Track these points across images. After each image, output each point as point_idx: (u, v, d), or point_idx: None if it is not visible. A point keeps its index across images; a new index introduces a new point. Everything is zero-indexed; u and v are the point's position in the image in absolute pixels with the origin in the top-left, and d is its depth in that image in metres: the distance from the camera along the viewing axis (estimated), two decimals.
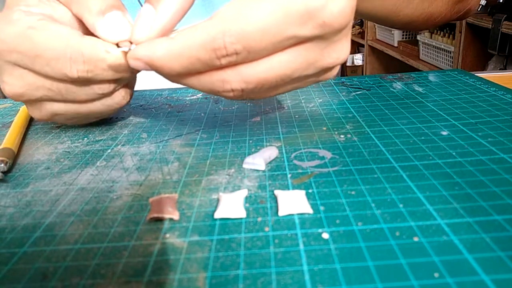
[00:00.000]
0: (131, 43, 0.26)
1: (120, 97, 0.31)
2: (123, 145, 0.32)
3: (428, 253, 0.17)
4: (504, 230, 0.19)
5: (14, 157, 0.30)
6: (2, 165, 0.27)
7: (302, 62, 0.24)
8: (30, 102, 0.30)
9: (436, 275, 0.16)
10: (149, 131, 0.34)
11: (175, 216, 0.21)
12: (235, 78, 0.23)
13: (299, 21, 0.22)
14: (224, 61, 0.22)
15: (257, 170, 0.26)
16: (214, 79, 0.24)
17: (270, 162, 0.27)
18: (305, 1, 0.21)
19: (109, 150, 0.31)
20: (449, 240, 0.18)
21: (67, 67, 0.26)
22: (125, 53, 0.26)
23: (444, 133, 0.29)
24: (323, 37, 0.23)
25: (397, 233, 0.19)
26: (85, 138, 0.33)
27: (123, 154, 0.30)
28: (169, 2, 0.23)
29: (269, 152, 0.27)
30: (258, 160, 0.26)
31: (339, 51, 0.25)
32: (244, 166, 0.26)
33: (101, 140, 0.33)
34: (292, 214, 0.21)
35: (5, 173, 0.28)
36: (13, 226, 0.22)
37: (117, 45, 0.26)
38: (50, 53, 0.26)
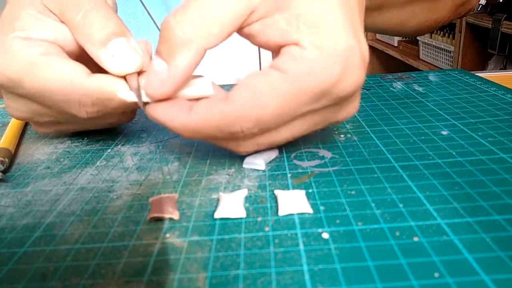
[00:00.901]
0: (138, 74, 0.25)
1: (127, 117, 0.31)
2: (123, 144, 0.32)
3: (428, 253, 0.17)
4: (504, 230, 0.18)
5: (11, 157, 0.30)
6: None
7: (314, 125, 0.25)
8: (35, 122, 0.30)
9: (436, 275, 0.16)
10: (149, 131, 0.34)
11: (175, 216, 0.21)
12: (248, 144, 0.24)
13: (313, 100, 0.22)
14: (238, 137, 0.23)
15: (257, 170, 0.26)
16: (229, 144, 0.25)
17: (270, 162, 0.27)
18: (318, 82, 0.21)
19: (109, 150, 0.31)
20: (449, 240, 0.18)
21: (76, 108, 0.25)
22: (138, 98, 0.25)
23: (444, 132, 0.29)
24: (336, 104, 0.24)
25: (397, 233, 0.19)
26: (85, 138, 0.33)
27: (123, 154, 0.30)
28: (181, 58, 0.22)
29: (269, 152, 0.27)
30: (258, 160, 0.26)
31: (351, 109, 0.26)
32: (244, 165, 0.26)
33: (101, 140, 0.33)
34: (292, 214, 0.21)
35: (3, 172, 0.28)
36: (13, 226, 0.22)
37: (125, 78, 0.25)
38: (55, 95, 0.25)
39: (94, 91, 0.25)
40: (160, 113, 0.23)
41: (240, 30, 0.23)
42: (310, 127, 0.25)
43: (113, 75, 0.25)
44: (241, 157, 0.28)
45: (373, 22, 0.46)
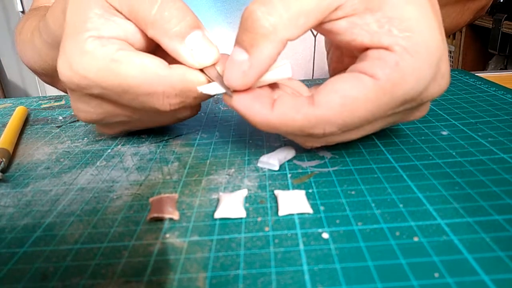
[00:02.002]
0: (213, 66, 0.25)
1: (196, 110, 0.30)
2: (123, 145, 0.32)
3: (428, 253, 0.17)
4: (504, 230, 0.18)
5: (9, 157, 0.30)
6: None
7: (387, 124, 0.25)
8: (104, 124, 0.30)
9: (436, 275, 0.16)
10: (149, 131, 0.34)
11: (175, 216, 0.21)
12: (319, 142, 0.24)
13: (401, 104, 0.22)
14: (317, 137, 0.23)
15: (257, 170, 0.26)
16: (298, 138, 0.25)
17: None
18: (410, 89, 0.21)
19: (109, 150, 0.31)
20: (449, 240, 0.18)
21: (159, 101, 0.25)
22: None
23: (444, 133, 0.29)
24: (418, 106, 0.24)
25: (397, 233, 0.19)
26: (85, 138, 0.33)
27: (123, 154, 0.30)
28: (265, 48, 0.21)
29: (286, 152, 0.27)
30: (273, 160, 0.26)
31: (424, 109, 0.26)
32: (259, 164, 0.26)
33: (101, 140, 0.33)
34: (292, 214, 0.21)
35: (2, 172, 0.28)
36: (13, 226, 0.22)
37: (202, 70, 0.25)
38: (140, 89, 0.24)
39: (178, 82, 0.24)
40: (243, 105, 0.23)
41: (320, 25, 0.23)
42: (383, 126, 0.25)
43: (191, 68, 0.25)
44: (241, 157, 0.28)
45: None
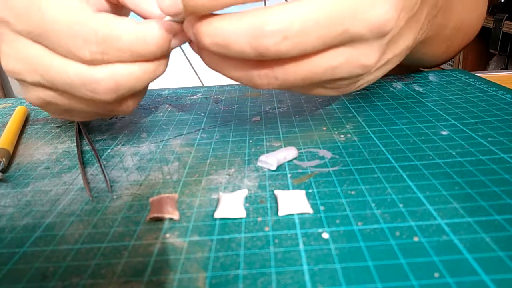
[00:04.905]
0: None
1: (125, 107, 0.28)
2: (123, 145, 0.32)
3: (428, 253, 0.17)
4: (504, 230, 0.18)
5: (9, 157, 0.30)
6: None
7: (342, 62, 0.23)
8: (25, 84, 0.28)
9: (436, 275, 0.16)
10: (149, 131, 0.34)
11: (175, 216, 0.21)
12: (277, 72, 0.23)
13: (350, 17, 0.21)
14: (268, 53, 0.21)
15: (257, 170, 0.26)
16: (256, 73, 0.23)
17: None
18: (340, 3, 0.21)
19: (109, 150, 0.31)
20: (449, 240, 0.18)
21: (77, 46, 0.24)
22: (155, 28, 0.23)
23: (444, 133, 0.29)
24: (367, 39, 0.22)
25: (397, 233, 0.19)
26: (85, 138, 0.33)
27: (123, 154, 0.30)
28: None
29: (286, 153, 0.27)
30: (271, 160, 0.26)
31: (375, 55, 0.24)
32: (258, 164, 0.26)
33: (101, 140, 0.33)
34: (292, 214, 0.21)
35: (2, 172, 0.28)
36: (13, 226, 0.22)
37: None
38: (60, 30, 0.23)
39: (101, 27, 0.23)
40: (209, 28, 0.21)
41: None
42: (339, 64, 0.23)
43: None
44: (241, 157, 0.28)
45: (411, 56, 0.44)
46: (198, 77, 0.52)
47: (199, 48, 0.24)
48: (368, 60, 0.23)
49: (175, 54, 0.52)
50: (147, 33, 0.24)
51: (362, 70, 0.24)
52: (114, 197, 0.24)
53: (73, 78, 0.25)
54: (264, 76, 0.23)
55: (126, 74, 0.25)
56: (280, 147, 0.29)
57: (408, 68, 0.47)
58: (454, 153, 0.26)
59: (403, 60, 0.42)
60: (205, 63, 0.24)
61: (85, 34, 0.23)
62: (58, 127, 0.37)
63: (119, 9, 0.29)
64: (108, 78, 0.24)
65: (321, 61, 0.23)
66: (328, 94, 0.27)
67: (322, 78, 0.24)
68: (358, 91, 0.41)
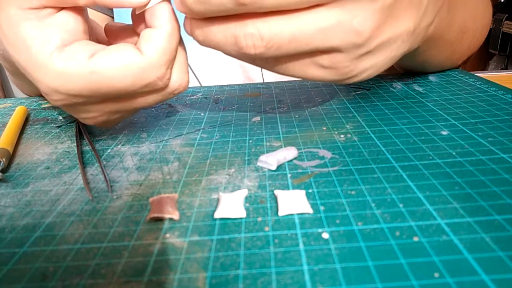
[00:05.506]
0: None
1: (173, 87, 0.27)
2: (123, 145, 0.32)
3: (428, 253, 0.17)
4: (504, 230, 0.18)
5: (9, 157, 0.30)
6: None
7: (333, 24, 0.22)
8: (106, 121, 0.30)
9: (436, 275, 0.16)
10: (149, 131, 0.34)
11: (175, 216, 0.21)
12: (261, 30, 0.22)
13: None
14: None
15: (257, 170, 0.26)
16: (241, 32, 0.22)
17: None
18: None
19: (109, 150, 0.31)
20: (449, 240, 0.18)
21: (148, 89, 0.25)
22: None
23: (444, 133, 0.29)
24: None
25: (397, 233, 0.19)
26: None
27: (123, 154, 0.30)
28: None
29: (286, 153, 0.27)
30: (271, 160, 0.26)
31: (369, 21, 0.23)
32: (258, 164, 0.26)
33: (101, 140, 0.33)
34: (292, 214, 0.21)
35: (2, 172, 0.28)
36: (13, 226, 0.22)
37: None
38: (129, 86, 0.25)
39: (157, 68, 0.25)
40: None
41: None
42: (327, 25, 0.22)
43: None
44: (241, 157, 0.28)
45: (414, 60, 0.43)
46: (196, 77, 0.52)
47: (191, 27, 0.24)
48: (362, 26, 0.22)
49: None
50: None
51: (357, 38, 0.23)
52: (114, 197, 0.24)
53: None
54: (249, 36, 0.22)
55: None
56: (280, 147, 0.29)
57: (412, 72, 0.47)
58: (454, 153, 0.26)
59: (407, 63, 0.42)
60: (197, 38, 0.24)
61: (149, 77, 0.25)
62: (58, 127, 0.37)
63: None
64: None
65: (309, 19, 0.22)
66: (326, 78, 0.25)
67: (313, 42, 0.23)
68: (358, 91, 0.41)
